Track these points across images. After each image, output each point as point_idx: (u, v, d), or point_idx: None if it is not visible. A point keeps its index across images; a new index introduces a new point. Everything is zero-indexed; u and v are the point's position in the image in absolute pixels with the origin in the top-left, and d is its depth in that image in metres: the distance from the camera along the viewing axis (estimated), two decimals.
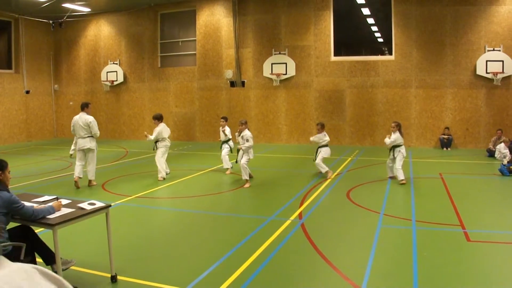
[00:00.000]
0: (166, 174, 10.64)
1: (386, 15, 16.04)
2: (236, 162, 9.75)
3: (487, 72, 14.50)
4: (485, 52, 14.64)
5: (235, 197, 8.59)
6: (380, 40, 17.54)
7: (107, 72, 19.70)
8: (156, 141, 10.23)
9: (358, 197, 8.13)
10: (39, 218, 3.91)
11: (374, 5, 16.57)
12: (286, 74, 16.95)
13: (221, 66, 18.04)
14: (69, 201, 4.52)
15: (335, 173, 10.54)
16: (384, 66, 15.95)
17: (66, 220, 3.95)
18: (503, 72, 14.33)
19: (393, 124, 9.52)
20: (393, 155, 9.43)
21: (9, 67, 19.38)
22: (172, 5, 18.64)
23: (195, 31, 18.47)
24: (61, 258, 4.02)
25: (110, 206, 4.51)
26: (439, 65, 15.31)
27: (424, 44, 15.40)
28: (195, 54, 18.58)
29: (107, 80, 19.68)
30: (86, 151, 9.35)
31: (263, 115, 17.60)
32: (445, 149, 14.93)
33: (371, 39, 17.94)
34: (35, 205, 4.18)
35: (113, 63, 19.71)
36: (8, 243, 3.76)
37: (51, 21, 20.00)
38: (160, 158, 10.12)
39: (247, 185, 9.27)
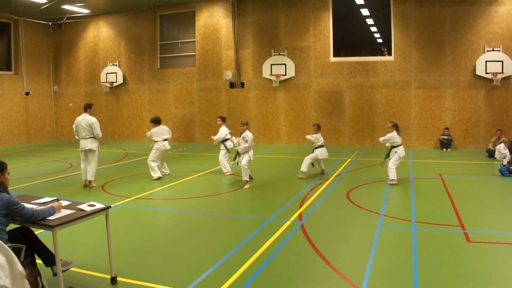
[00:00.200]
0: (167, 174, 10.65)
1: (386, 15, 16.05)
2: (237, 164, 9.74)
3: (486, 73, 14.50)
4: (484, 53, 14.65)
5: (235, 198, 8.59)
6: (380, 40, 17.54)
7: (106, 74, 19.70)
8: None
9: (358, 198, 8.12)
10: (39, 219, 3.91)
11: (374, 5, 16.58)
12: (285, 75, 16.96)
13: (221, 67, 18.05)
14: (69, 202, 4.52)
15: (335, 174, 10.54)
16: (384, 67, 15.96)
17: (66, 221, 3.95)
18: (502, 72, 14.33)
19: (389, 124, 9.54)
20: (390, 155, 9.43)
21: (9, 69, 19.38)
22: (172, 7, 18.65)
23: (194, 32, 18.48)
24: (61, 260, 4.02)
25: (110, 207, 4.51)
26: (438, 65, 15.32)
27: (423, 44, 15.41)
28: (194, 55, 18.59)
29: (106, 82, 19.68)
30: (87, 152, 9.38)
31: (262, 116, 17.61)
32: (444, 149, 14.93)
33: (370, 40, 17.95)
34: (35, 206, 4.17)
35: (113, 65, 19.71)
36: (7, 245, 3.75)
37: (50, 23, 20.01)
38: (149, 161, 10.22)
39: (247, 186, 9.27)
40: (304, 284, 4.45)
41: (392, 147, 9.40)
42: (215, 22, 18.00)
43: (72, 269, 4.55)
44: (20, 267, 2.61)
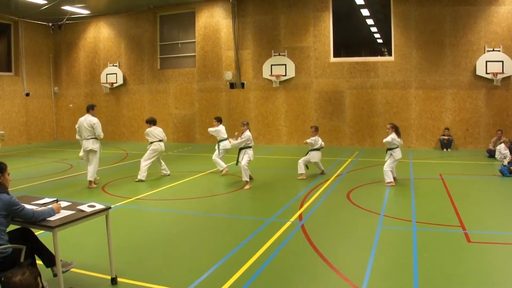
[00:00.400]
0: (167, 175, 10.65)
1: (386, 16, 16.05)
2: (237, 164, 9.74)
3: (487, 73, 14.49)
4: (484, 53, 14.64)
5: (235, 199, 8.58)
6: (380, 41, 17.55)
7: (106, 74, 19.71)
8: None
9: (358, 198, 8.12)
10: (39, 220, 3.90)
11: (374, 6, 16.58)
12: (285, 75, 16.96)
13: (221, 68, 18.05)
14: (69, 203, 4.51)
15: (335, 175, 10.54)
16: (384, 67, 15.96)
17: (66, 222, 3.94)
18: (503, 72, 14.33)
19: (388, 126, 9.52)
20: (386, 157, 9.42)
21: (9, 70, 19.39)
22: (172, 7, 18.65)
23: (194, 33, 18.49)
24: (61, 260, 4.01)
25: (110, 208, 4.51)
26: (438, 65, 15.32)
27: (423, 44, 15.41)
28: (194, 55, 18.60)
29: (106, 82, 19.69)
30: (88, 152, 9.44)
31: (262, 116, 17.61)
32: (445, 150, 14.92)
33: (370, 40, 17.95)
34: (35, 207, 4.17)
35: (113, 65, 19.72)
36: (8, 246, 3.75)
37: (50, 24, 20.04)
38: (142, 160, 10.22)
39: (247, 187, 9.27)
40: (304, 285, 4.45)
41: (388, 149, 9.38)
42: (215, 22, 18.01)
43: (73, 269, 4.54)
44: None
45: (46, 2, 16.10)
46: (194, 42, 18.55)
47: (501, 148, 12.28)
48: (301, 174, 10.15)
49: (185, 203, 8.31)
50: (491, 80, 14.59)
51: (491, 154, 12.95)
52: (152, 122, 10.57)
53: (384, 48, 16.75)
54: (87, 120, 9.36)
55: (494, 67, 14.38)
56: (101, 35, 20.06)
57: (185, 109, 18.79)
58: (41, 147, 17.98)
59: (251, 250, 5.36)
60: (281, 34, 17.11)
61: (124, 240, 5.88)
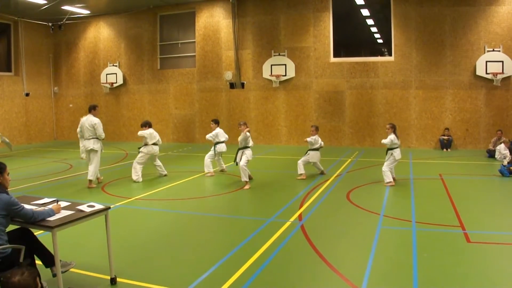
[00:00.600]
0: (164, 175, 10.63)
1: (386, 16, 16.06)
2: (236, 164, 9.75)
3: (486, 73, 14.50)
4: (484, 53, 14.64)
5: (234, 199, 8.58)
6: (380, 41, 17.55)
7: (106, 74, 19.71)
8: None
9: (358, 198, 8.12)
10: (39, 220, 3.90)
11: (374, 6, 16.59)
12: (285, 75, 16.96)
13: (221, 68, 18.05)
14: (69, 203, 4.51)
15: (335, 175, 10.54)
16: (384, 67, 15.96)
17: (65, 222, 3.94)
18: (503, 72, 14.33)
19: (387, 126, 9.51)
20: (386, 157, 9.40)
21: (9, 70, 19.40)
22: (172, 7, 18.65)
23: (194, 33, 18.49)
24: (60, 260, 4.01)
25: (109, 208, 4.51)
26: (438, 66, 15.32)
27: (423, 45, 15.41)
28: (194, 56, 18.60)
29: (106, 82, 19.69)
30: (90, 152, 9.54)
31: (262, 116, 17.60)
32: (445, 150, 14.92)
33: (370, 40, 17.95)
34: (34, 207, 4.17)
35: (113, 65, 19.72)
36: (7, 246, 3.75)
37: (50, 24, 20.04)
38: (136, 162, 10.19)
39: (246, 187, 9.27)
40: (304, 285, 4.45)
41: (389, 149, 9.37)
42: (215, 22, 18.01)
43: (72, 270, 4.55)
44: None
45: (46, 2, 16.11)
46: (194, 42, 18.55)
47: (501, 148, 12.28)
48: (301, 174, 10.16)
49: (185, 203, 8.31)
50: (491, 80, 14.59)
51: (491, 154, 12.95)
52: (148, 125, 10.46)
53: (384, 48, 16.75)
54: (89, 120, 9.48)
55: (494, 67, 14.38)
56: (101, 35, 20.06)
57: (185, 109, 18.79)
58: (41, 147, 17.98)
59: (251, 250, 5.36)
60: (281, 34, 17.11)
61: (123, 240, 5.88)
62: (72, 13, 18.56)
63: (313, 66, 16.78)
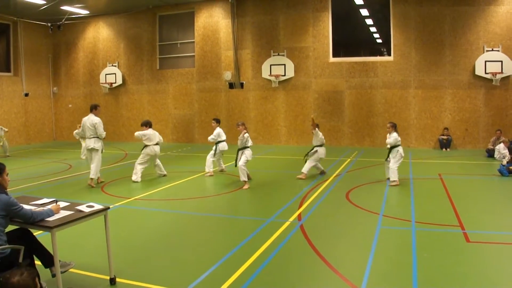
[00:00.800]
0: (163, 175, 10.63)
1: (385, 16, 16.06)
2: (236, 165, 9.72)
3: (486, 73, 14.51)
4: (484, 53, 14.66)
5: (234, 199, 8.58)
6: (379, 41, 17.55)
7: (105, 75, 19.70)
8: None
9: (357, 198, 8.12)
10: (38, 220, 3.90)
11: (373, 6, 16.59)
12: (285, 75, 16.96)
13: (220, 68, 18.05)
14: (68, 203, 4.51)
15: (334, 174, 10.54)
16: (383, 67, 15.96)
17: (64, 222, 3.94)
18: (502, 72, 14.35)
19: (388, 125, 9.49)
20: (392, 156, 9.39)
21: (8, 70, 19.38)
22: (171, 7, 18.65)
23: (193, 33, 18.49)
24: (59, 261, 4.01)
25: (108, 208, 4.50)
26: (438, 65, 15.33)
27: (423, 44, 15.42)
28: (193, 56, 18.59)
29: (106, 83, 19.68)
30: (91, 151, 9.69)
31: (262, 116, 17.60)
32: (444, 149, 14.93)
33: (369, 40, 17.95)
34: (33, 207, 4.16)
35: (112, 65, 19.71)
36: (6, 246, 3.74)
37: (49, 24, 20.03)
38: (137, 163, 10.20)
39: (245, 187, 9.26)
40: (303, 285, 4.44)
41: (394, 147, 9.34)
42: (214, 22, 18.00)
43: (71, 270, 4.54)
44: None
45: (45, 2, 16.10)
46: (193, 42, 18.54)
47: (500, 148, 12.28)
48: (303, 173, 10.11)
49: (184, 203, 8.30)
50: (490, 80, 14.60)
51: (490, 154, 12.95)
52: (148, 124, 10.47)
53: (383, 48, 16.75)
54: (90, 119, 9.65)
55: (493, 67, 14.39)
56: (100, 35, 20.05)
57: (184, 109, 18.78)
58: (40, 148, 17.97)
59: (250, 250, 5.35)
60: (281, 34, 17.11)
61: (123, 240, 5.88)
62: (71, 13, 18.56)
63: (312, 66, 16.78)
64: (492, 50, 14.56)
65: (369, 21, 17.17)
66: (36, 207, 4.23)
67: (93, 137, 9.63)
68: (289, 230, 6.18)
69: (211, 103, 18.29)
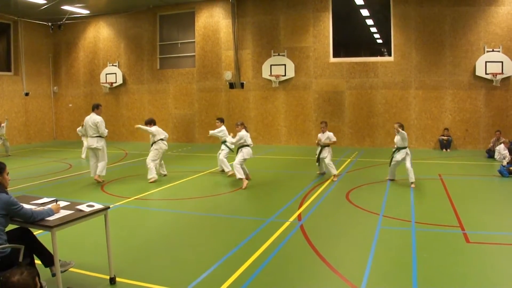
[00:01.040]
0: (164, 176, 10.64)
1: (385, 16, 16.06)
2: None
3: (486, 73, 14.51)
4: (484, 53, 14.65)
5: (234, 199, 8.58)
6: (379, 41, 17.54)
7: (106, 74, 19.71)
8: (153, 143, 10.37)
9: (357, 198, 8.12)
10: (38, 220, 3.90)
11: (373, 6, 16.59)
12: (285, 75, 16.96)
13: (220, 68, 18.05)
14: (68, 203, 4.51)
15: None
16: (383, 67, 15.96)
17: (64, 222, 3.94)
18: (502, 73, 14.34)
19: (396, 125, 9.28)
20: (400, 157, 9.20)
21: (9, 69, 19.39)
22: (171, 7, 18.65)
23: (194, 33, 18.49)
24: (59, 260, 4.01)
25: (108, 208, 4.50)
26: (438, 66, 15.32)
27: (423, 45, 15.42)
28: (194, 55, 18.60)
29: (106, 82, 19.69)
30: (94, 150, 9.84)
31: (262, 116, 17.61)
32: (444, 150, 14.93)
33: (370, 40, 17.95)
34: (33, 207, 4.17)
35: (112, 65, 19.72)
36: (6, 245, 3.75)
37: (50, 24, 20.03)
38: (149, 160, 10.16)
39: (244, 185, 9.23)
40: (303, 285, 4.44)
41: (402, 148, 9.21)
42: (214, 22, 18.01)
43: (71, 269, 4.54)
44: None
45: (45, 1, 16.10)
46: (194, 42, 18.55)
47: (501, 149, 12.28)
48: (334, 174, 9.98)
49: (184, 203, 8.30)
50: (490, 81, 14.60)
51: (490, 154, 12.95)
52: (152, 122, 10.68)
53: (384, 48, 16.75)
54: (92, 118, 9.75)
55: (494, 68, 14.39)
56: (101, 35, 20.06)
57: (185, 109, 18.79)
58: (40, 147, 17.97)
59: (250, 250, 5.35)
60: (281, 34, 17.11)
61: (123, 239, 5.88)
62: (72, 13, 18.56)
63: (313, 66, 16.78)
64: (493, 50, 14.56)
65: (369, 22, 17.17)
66: (36, 207, 4.23)
67: (96, 136, 9.74)
68: (289, 230, 6.18)
69: (212, 103, 18.29)
